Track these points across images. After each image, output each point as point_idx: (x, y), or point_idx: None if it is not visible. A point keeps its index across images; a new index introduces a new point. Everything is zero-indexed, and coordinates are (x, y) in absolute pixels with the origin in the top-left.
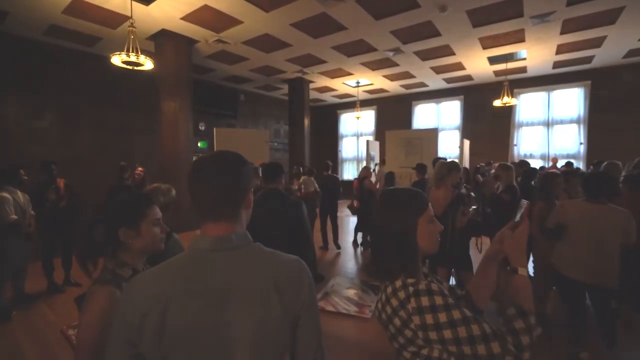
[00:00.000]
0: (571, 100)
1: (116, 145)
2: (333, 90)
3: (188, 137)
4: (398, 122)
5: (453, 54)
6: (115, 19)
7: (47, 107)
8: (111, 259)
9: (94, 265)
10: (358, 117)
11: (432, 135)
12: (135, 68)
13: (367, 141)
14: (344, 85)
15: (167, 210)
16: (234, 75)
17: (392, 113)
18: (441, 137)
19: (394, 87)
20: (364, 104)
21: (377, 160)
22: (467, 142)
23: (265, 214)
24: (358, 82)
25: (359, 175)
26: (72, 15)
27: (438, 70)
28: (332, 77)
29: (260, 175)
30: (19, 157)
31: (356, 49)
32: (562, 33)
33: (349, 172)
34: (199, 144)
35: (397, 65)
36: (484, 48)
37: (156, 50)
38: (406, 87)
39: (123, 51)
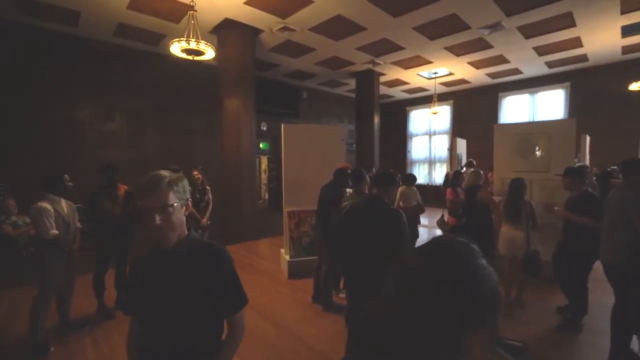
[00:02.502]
0: None
1: (178, 146)
2: (404, 83)
3: (251, 138)
4: (481, 118)
5: (572, 25)
6: (178, 11)
7: (116, 110)
8: None
9: None
10: (435, 113)
11: (564, 128)
12: (196, 58)
13: (454, 139)
14: (418, 78)
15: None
16: (297, 71)
17: (473, 107)
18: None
19: (478, 76)
20: (439, 98)
21: (464, 161)
22: (587, 139)
23: (360, 222)
24: (435, 73)
25: (449, 182)
26: (136, 9)
27: (543, 50)
28: (407, 68)
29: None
30: (91, 161)
31: (443, 29)
32: None
33: (419, 176)
34: (260, 145)
35: (489, 47)
36: (623, 12)
37: (219, 43)
38: (493, 75)
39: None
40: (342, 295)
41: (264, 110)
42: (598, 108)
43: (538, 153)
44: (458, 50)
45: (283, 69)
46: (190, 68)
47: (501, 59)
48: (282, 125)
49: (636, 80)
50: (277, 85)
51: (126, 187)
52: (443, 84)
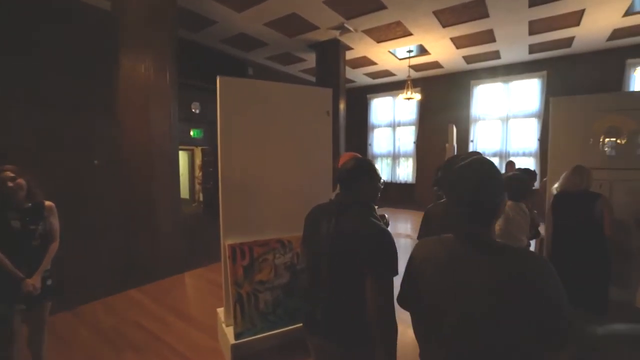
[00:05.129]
0: None
1: (68, 131)
2: (371, 64)
3: (170, 120)
4: (451, 108)
5: None
6: None
7: None
8: None
9: None
10: (410, 98)
11: None
12: None
13: (451, 126)
14: (388, 57)
15: None
16: (242, 35)
17: (444, 96)
18: (512, 126)
19: (453, 59)
20: (403, 86)
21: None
22: None
23: None
24: (410, 51)
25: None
26: None
27: (537, 27)
28: (380, 41)
29: None
30: None
31: None
32: None
33: (382, 172)
34: (191, 133)
35: (484, 17)
36: None
37: None
38: (469, 59)
39: None
40: None
41: (197, 86)
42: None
43: (623, 141)
44: (448, 18)
45: (222, 31)
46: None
47: (488, 37)
48: (219, 80)
49: (619, 70)
50: (214, 54)
51: None
52: (414, 67)
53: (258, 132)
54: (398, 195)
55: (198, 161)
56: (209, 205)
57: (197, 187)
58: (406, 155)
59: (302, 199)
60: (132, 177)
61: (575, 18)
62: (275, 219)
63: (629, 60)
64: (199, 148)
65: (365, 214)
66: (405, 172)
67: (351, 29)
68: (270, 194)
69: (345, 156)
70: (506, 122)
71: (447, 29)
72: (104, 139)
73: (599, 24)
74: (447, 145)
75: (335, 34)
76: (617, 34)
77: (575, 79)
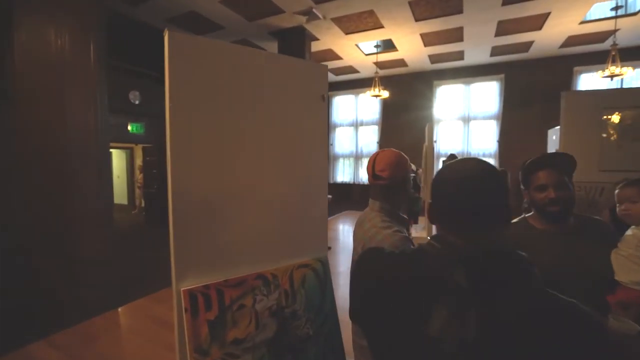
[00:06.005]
0: None
1: None
2: (336, 58)
3: (96, 112)
4: (414, 108)
5: None
6: None
7: None
8: None
9: None
10: (378, 96)
11: None
12: None
13: (430, 125)
14: (355, 52)
15: None
16: (192, 13)
17: (406, 96)
18: (473, 127)
19: (419, 58)
20: (371, 83)
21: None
22: None
23: None
24: (379, 45)
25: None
26: None
27: (504, 28)
28: (348, 32)
29: None
30: None
31: None
32: None
33: (344, 173)
34: (129, 127)
35: (458, 13)
36: None
37: None
38: (434, 58)
39: None
40: None
41: (137, 72)
42: (531, 102)
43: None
44: (422, 11)
45: (169, 5)
46: None
47: (457, 35)
48: (167, 35)
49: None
50: (159, 36)
51: None
52: (379, 64)
53: (227, 122)
54: (360, 197)
55: (139, 161)
56: (152, 212)
57: (138, 191)
58: (369, 156)
59: (290, 214)
60: (41, 185)
61: (539, 21)
62: (253, 245)
63: (576, 68)
64: (140, 146)
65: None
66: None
67: (320, 15)
68: (245, 211)
69: (386, 154)
70: (467, 123)
71: (419, 23)
72: (2, 134)
73: (557, 29)
74: (425, 145)
75: (302, 20)
76: (569, 41)
77: (530, 83)
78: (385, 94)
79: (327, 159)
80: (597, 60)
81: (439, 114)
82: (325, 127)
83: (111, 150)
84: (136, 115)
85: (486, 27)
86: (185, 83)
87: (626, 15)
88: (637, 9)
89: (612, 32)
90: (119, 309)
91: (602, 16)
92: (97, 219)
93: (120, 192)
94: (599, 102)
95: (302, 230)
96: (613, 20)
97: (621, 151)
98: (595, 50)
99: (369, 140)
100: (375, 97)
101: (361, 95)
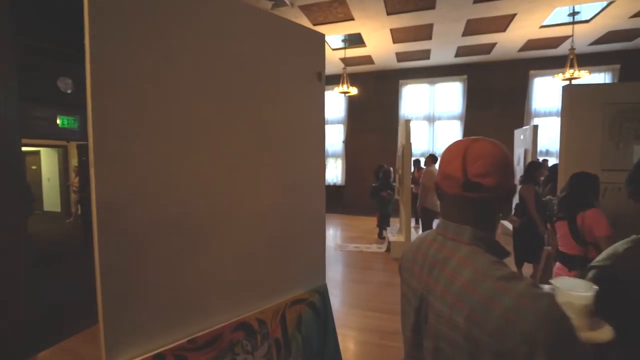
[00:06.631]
0: None
1: None
2: None
3: (4, 100)
4: (381, 107)
5: None
6: None
7: None
8: None
9: None
10: (346, 93)
11: None
12: None
13: (407, 122)
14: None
15: None
16: None
17: (372, 94)
18: (438, 127)
19: (386, 55)
20: (334, 80)
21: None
22: None
23: None
24: (346, 40)
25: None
26: None
27: (471, 28)
28: (316, 23)
29: None
30: None
31: None
32: None
33: None
34: (58, 121)
35: (430, 8)
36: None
37: None
38: (401, 56)
39: None
40: None
41: (69, 55)
42: (491, 103)
43: None
44: (394, 4)
45: None
46: None
47: (426, 32)
48: None
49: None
50: None
51: None
52: (345, 60)
53: (181, 104)
54: (328, 196)
55: (74, 162)
56: (90, 220)
57: (73, 196)
58: (335, 156)
59: (277, 232)
60: None
61: (505, 22)
62: (228, 280)
63: (531, 72)
64: (74, 143)
65: None
66: (334, 173)
67: (287, 1)
68: (214, 231)
69: (487, 148)
70: (432, 123)
71: (390, 17)
72: None
73: (520, 32)
74: (402, 144)
75: (267, 5)
76: (528, 45)
77: (490, 85)
78: (354, 90)
79: (325, 158)
80: (550, 65)
81: (405, 113)
82: (323, 117)
83: (39, 148)
84: (68, 106)
85: (455, 25)
86: (114, 50)
87: (581, 22)
88: (589, 17)
89: (568, 38)
90: (38, 357)
91: (560, 22)
92: (7, 242)
93: (51, 198)
94: (601, 97)
95: (294, 253)
96: (570, 26)
97: (620, 151)
98: (550, 55)
99: (334, 139)
100: (343, 94)
101: (326, 93)
